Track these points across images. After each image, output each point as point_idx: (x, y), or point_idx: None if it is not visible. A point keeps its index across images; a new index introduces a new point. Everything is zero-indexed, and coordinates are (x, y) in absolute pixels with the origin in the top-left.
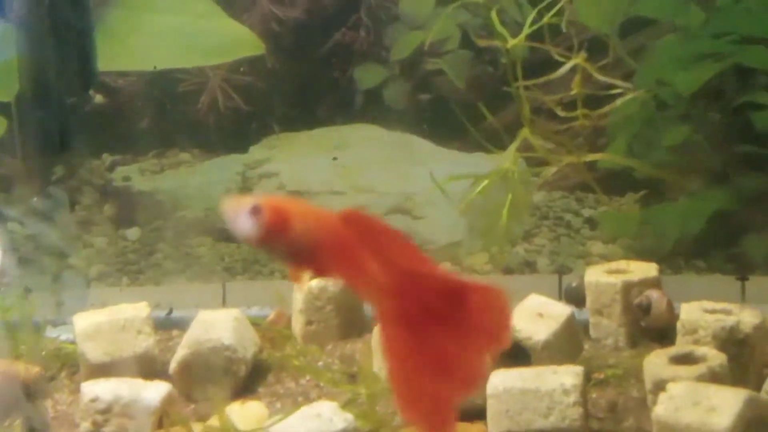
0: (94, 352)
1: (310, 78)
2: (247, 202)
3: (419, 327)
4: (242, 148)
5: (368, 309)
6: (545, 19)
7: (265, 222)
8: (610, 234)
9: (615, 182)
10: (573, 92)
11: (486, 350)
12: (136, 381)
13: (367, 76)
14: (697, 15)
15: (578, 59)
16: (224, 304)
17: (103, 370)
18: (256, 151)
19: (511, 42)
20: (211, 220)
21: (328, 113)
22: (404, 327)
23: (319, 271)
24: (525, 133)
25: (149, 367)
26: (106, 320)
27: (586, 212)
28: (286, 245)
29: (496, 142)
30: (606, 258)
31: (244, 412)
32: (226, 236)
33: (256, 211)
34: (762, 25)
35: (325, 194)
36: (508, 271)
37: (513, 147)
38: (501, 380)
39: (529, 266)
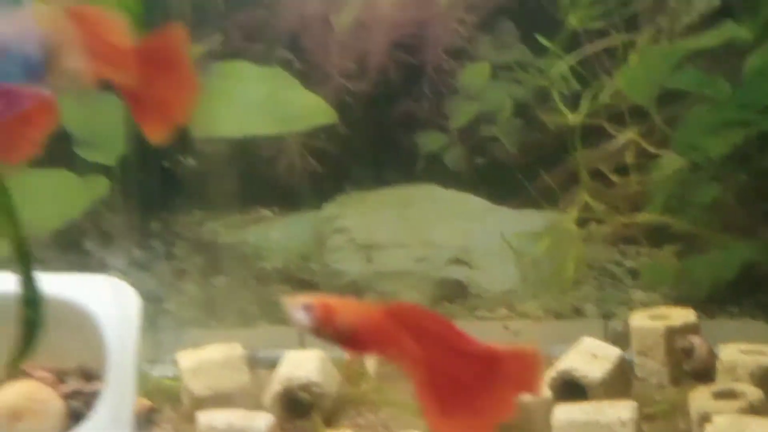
0: (198, 386)
1: (377, 143)
2: (302, 300)
3: (452, 391)
4: (317, 205)
5: None
6: (601, 99)
7: (315, 316)
8: (651, 283)
9: (654, 236)
10: (627, 161)
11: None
12: (244, 411)
13: (428, 141)
14: (724, 87)
15: (631, 133)
16: (302, 345)
17: (206, 402)
18: (329, 208)
19: (572, 118)
20: (290, 270)
21: (394, 174)
22: (437, 393)
23: (362, 351)
24: (583, 196)
25: (245, 401)
26: (206, 358)
27: (629, 263)
28: (332, 333)
29: (548, 199)
30: (647, 304)
31: None
32: (303, 285)
33: (308, 307)
34: None
35: (392, 247)
36: (558, 316)
37: (574, 210)
38: (564, 413)
39: (577, 312)
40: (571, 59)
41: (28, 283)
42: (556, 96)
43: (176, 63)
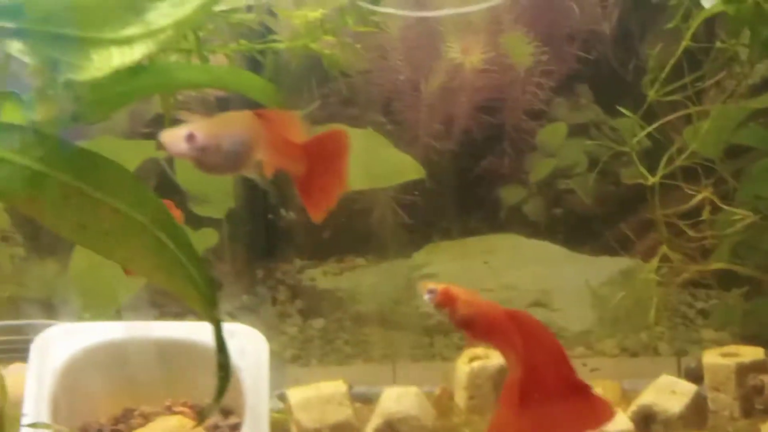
0: (306, 420)
1: (462, 196)
2: (430, 285)
3: (535, 399)
4: (407, 254)
5: None
6: (678, 162)
7: (436, 299)
8: (720, 323)
9: (723, 280)
10: (700, 214)
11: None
12: None
13: (510, 194)
14: None
15: (706, 192)
16: (394, 382)
17: None
18: (418, 257)
19: (651, 180)
20: (382, 312)
21: (478, 225)
22: (522, 392)
23: (475, 337)
24: (664, 249)
25: None
26: (314, 395)
27: (699, 305)
28: (451, 316)
29: (622, 246)
30: (717, 343)
31: None
32: (394, 326)
33: (432, 291)
34: None
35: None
36: (633, 354)
37: (655, 260)
38: None
39: (652, 350)
40: (647, 123)
41: (222, 346)
42: (635, 159)
43: (336, 159)
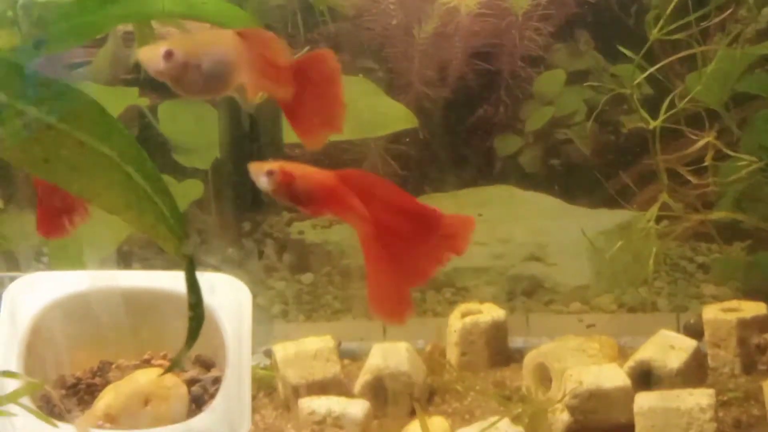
0: (293, 376)
1: (456, 147)
2: (265, 166)
3: (392, 244)
4: None
5: (513, 342)
6: (680, 105)
7: (276, 180)
8: (721, 277)
9: (724, 233)
10: (702, 162)
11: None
12: (341, 398)
13: (505, 144)
14: None
15: (710, 137)
16: (385, 337)
17: (300, 391)
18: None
19: (653, 123)
20: None
21: (472, 176)
22: (380, 244)
23: (317, 212)
24: (664, 197)
25: (337, 389)
26: (301, 350)
27: (700, 259)
28: (291, 196)
29: (621, 198)
30: (717, 298)
31: (432, 424)
32: None
33: (270, 173)
34: None
35: (470, 245)
36: (631, 310)
37: (655, 208)
38: (646, 401)
39: (651, 306)
40: (649, 66)
41: (193, 285)
42: (635, 102)
43: (326, 80)
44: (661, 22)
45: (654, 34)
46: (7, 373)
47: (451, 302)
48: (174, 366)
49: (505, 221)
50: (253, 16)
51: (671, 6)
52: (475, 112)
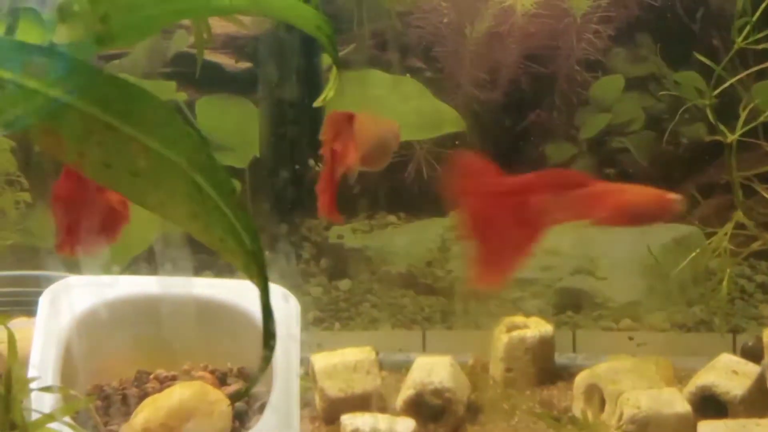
0: (331, 388)
1: (506, 152)
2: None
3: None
4: (442, 212)
5: (559, 358)
6: (761, 119)
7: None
8: None
9: None
10: None
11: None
12: (386, 416)
13: (557, 151)
14: None
15: None
16: (424, 350)
17: (339, 404)
18: (454, 216)
19: (731, 138)
20: (414, 275)
21: None
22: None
23: None
24: (739, 215)
25: (377, 403)
26: (339, 361)
27: (759, 278)
28: None
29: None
30: None
31: None
32: (426, 290)
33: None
34: None
35: None
36: (685, 329)
37: (729, 226)
38: (710, 430)
39: (705, 325)
40: (728, 77)
41: (265, 294)
42: (711, 113)
43: None
44: (747, 29)
45: (739, 42)
46: (48, 388)
47: (494, 315)
48: (248, 391)
49: (554, 232)
50: (320, 14)
51: (758, 13)
52: (526, 116)
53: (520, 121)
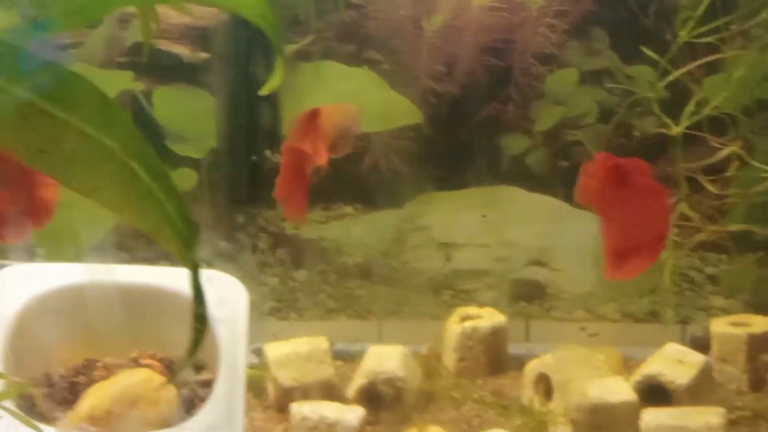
0: (284, 377)
1: (462, 144)
2: None
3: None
4: (399, 204)
5: (512, 348)
6: (706, 111)
7: None
8: (730, 290)
9: (736, 244)
10: (729, 173)
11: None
12: (335, 404)
13: (512, 144)
14: None
15: (734, 147)
16: (380, 340)
17: (292, 393)
18: (410, 207)
19: (675, 130)
20: (369, 266)
21: (477, 175)
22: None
23: None
24: (684, 207)
25: (329, 393)
26: (293, 351)
27: (709, 270)
28: None
29: None
30: (725, 311)
31: None
32: (382, 280)
33: None
34: None
35: (471, 246)
36: (636, 320)
37: (673, 218)
38: (654, 417)
39: (655, 316)
40: (673, 70)
41: (199, 294)
42: (656, 106)
43: None
44: (690, 24)
45: (683, 36)
46: None
47: (449, 305)
48: (174, 377)
49: (509, 223)
50: (265, 3)
51: (701, 9)
52: (482, 109)
53: (476, 114)
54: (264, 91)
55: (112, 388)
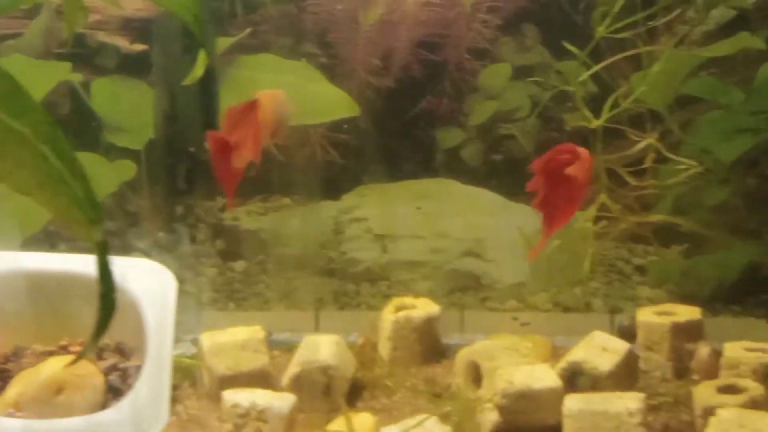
0: (219, 366)
1: (398, 137)
2: None
3: None
4: (336, 195)
5: (447, 338)
6: (624, 105)
7: None
8: (657, 280)
9: (663, 236)
10: (643, 163)
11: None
12: (267, 392)
13: (447, 137)
14: (737, 95)
15: (651, 139)
16: (317, 329)
17: (226, 382)
18: (347, 199)
19: (595, 123)
20: (307, 256)
21: (413, 168)
22: None
23: None
24: (603, 198)
25: (264, 382)
26: (228, 340)
27: (636, 261)
28: None
29: None
30: (653, 301)
31: (358, 420)
32: (319, 271)
33: None
34: None
35: (407, 238)
36: (566, 309)
37: (593, 209)
38: (575, 403)
39: (586, 306)
40: (594, 65)
41: (104, 273)
42: (579, 100)
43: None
44: (607, 20)
45: (600, 31)
46: None
47: (386, 296)
48: (80, 357)
49: (444, 215)
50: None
51: (619, 4)
52: (418, 103)
53: (412, 107)
54: (187, 81)
55: (38, 375)
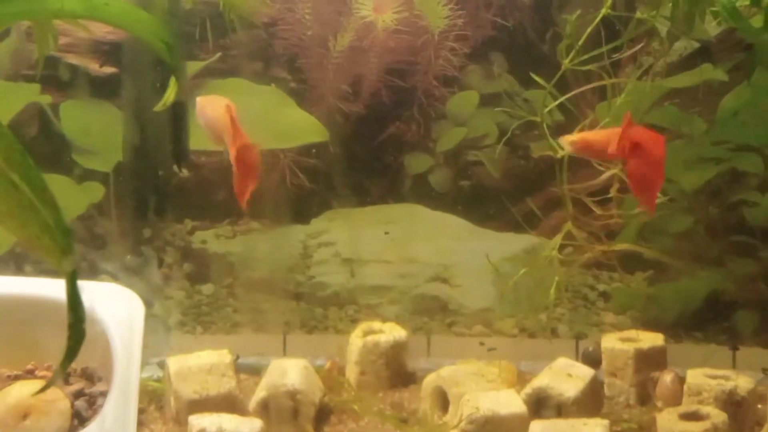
0: (185, 390)
1: (366, 162)
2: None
3: None
4: (304, 220)
5: (414, 363)
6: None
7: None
8: (621, 307)
9: (627, 263)
10: (610, 195)
11: None
12: (233, 416)
13: (415, 162)
14: (699, 125)
15: (615, 169)
16: (284, 353)
17: (193, 406)
18: (316, 223)
19: (561, 153)
20: (275, 280)
21: (381, 193)
22: None
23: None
24: (568, 226)
25: (231, 406)
26: (195, 363)
27: (601, 287)
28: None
29: (528, 223)
30: (617, 327)
31: None
32: (287, 295)
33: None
34: (754, 135)
35: (375, 262)
36: (532, 335)
37: (559, 238)
38: (540, 428)
39: (551, 332)
40: (561, 94)
41: (74, 303)
42: (545, 129)
43: None
44: (573, 53)
45: (566, 64)
46: None
47: (353, 320)
48: (48, 386)
49: (411, 240)
50: (158, 21)
51: (584, 37)
52: (386, 128)
53: (380, 133)
54: (158, 108)
55: (4, 399)
